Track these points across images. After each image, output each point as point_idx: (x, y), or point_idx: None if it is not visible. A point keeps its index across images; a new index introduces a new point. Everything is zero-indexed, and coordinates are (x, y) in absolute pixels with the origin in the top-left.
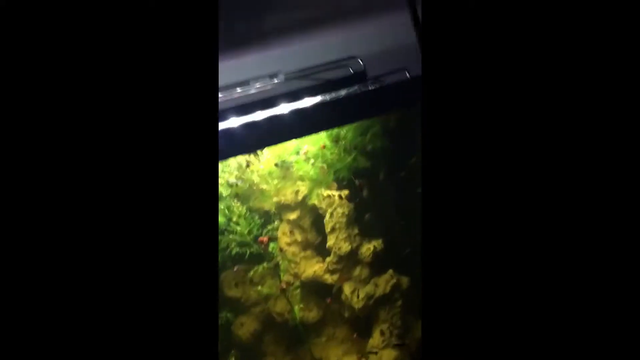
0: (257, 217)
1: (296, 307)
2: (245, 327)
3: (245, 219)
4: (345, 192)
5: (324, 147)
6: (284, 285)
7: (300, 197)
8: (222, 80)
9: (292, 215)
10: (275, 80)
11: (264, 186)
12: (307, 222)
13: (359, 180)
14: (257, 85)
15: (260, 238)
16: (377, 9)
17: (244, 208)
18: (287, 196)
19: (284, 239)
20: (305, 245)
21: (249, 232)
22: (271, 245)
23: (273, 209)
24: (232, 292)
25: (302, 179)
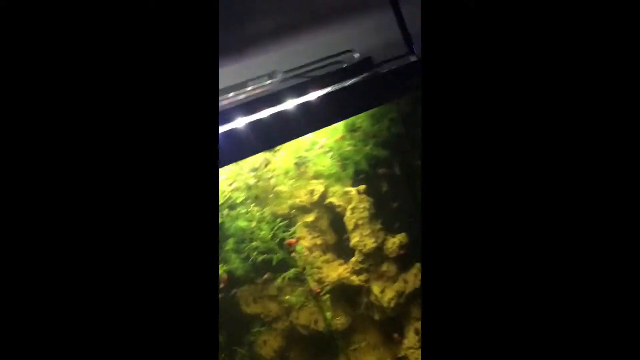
0: (279, 220)
1: (328, 314)
2: (269, 345)
3: (267, 222)
4: (362, 187)
5: (342, 137)
6: (317, 289)
7: (316, 197)
8: (220, 84)
9: (309, 217)
10: (274, 80)
11: (280, 187)
12: (324, 223)
13: (381, 169)
14: (255, 85)
15: (288, 240)
16: (360, 8)
17: (266, 210)
18: (302, 197)
19: (303, 244)
20: (325, 248)
21: (273, 237)
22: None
23: (287, 212)
24: (250, 309)
25: (318, 175)
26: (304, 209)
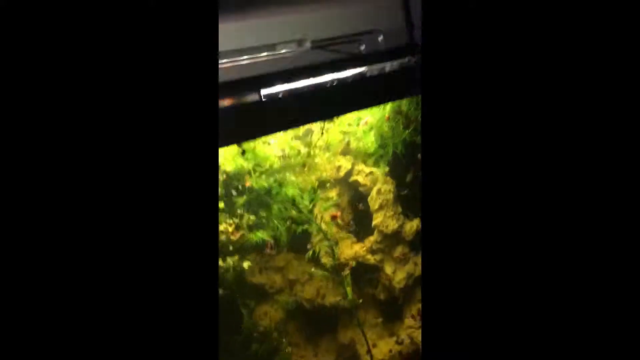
0: (319, 192)
1: (349, 290)
2: (269, 316)
3: (308, 192)
4: (386, 169)
5: (389, 118)
6: (350, 264)
7: (342, 173)
8: (243, 41)
9: (332, 193)
10: (303, 48)
11: (317, 159)
12: (345, 201)
13: (409, 156)
14: (284, 50)
15: (332, 213)
16: None
17: (306, 180)
18: (328, 171)
19: (325, 218)
20: (342, 225)
21: (311, 209)
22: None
23: (315, 185)
24: (255, 279)
25: (352, 152)
26: (325, 184)
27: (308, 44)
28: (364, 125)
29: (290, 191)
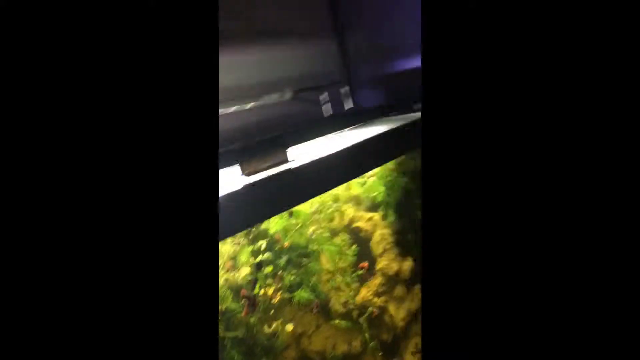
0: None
1: (367, 335)
2: None
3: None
4: (380, 214)
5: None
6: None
7: (346, 221)
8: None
9: (339, 240)
10: (284, 98)
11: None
12: (350, 247)
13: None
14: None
15: (361, 264)
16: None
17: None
18: (337, 220)
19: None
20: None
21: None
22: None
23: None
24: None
25: (353, 200)
26: (334, 232)
27: (289, 94)
28: (372, 176)
29: (327, 247)
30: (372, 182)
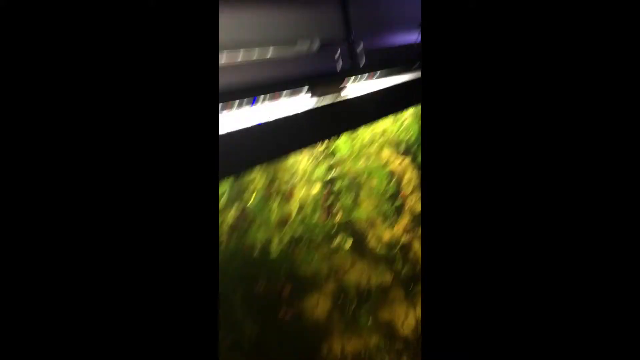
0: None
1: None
2: (320, 306)
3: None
4: (411, 157)
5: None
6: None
7: (383, 163)
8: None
9: (374, 180)
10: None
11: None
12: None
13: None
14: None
15: (403, 192)
16: None
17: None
18: (374, 161)
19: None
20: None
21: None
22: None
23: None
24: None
25: (388, 143)
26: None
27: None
28: (408, 117)
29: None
30: (408, 123)
